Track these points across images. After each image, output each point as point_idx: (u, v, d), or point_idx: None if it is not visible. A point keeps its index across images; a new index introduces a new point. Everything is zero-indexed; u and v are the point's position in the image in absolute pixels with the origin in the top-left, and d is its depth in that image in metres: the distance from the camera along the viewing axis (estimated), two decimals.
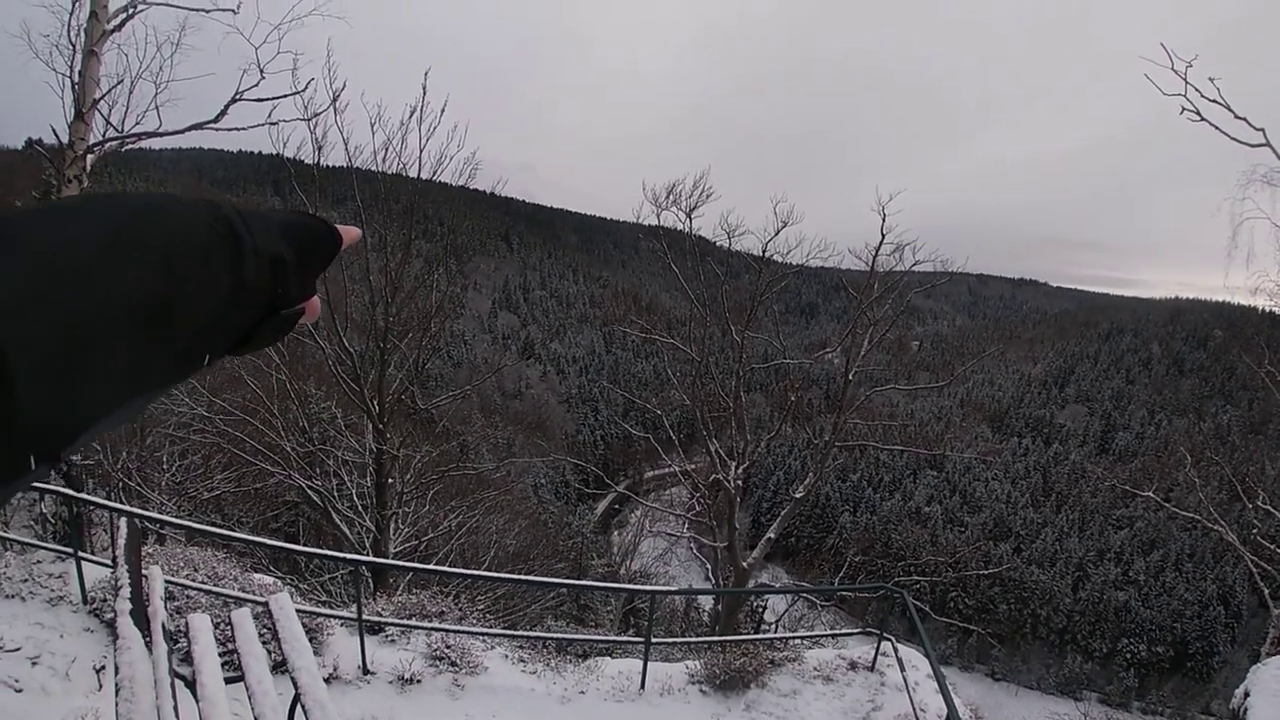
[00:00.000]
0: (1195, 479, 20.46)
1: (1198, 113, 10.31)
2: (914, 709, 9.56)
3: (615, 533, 65.49)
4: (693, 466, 26.01)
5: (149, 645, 4.26)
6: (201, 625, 5.24)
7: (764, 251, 21.83)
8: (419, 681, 8.32)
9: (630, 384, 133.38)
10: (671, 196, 21.78)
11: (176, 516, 20.25)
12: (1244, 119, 10.02)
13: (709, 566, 24.30)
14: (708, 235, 24.10)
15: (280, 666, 4.96)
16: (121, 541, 5.22)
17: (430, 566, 9.36)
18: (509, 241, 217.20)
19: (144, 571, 5.34)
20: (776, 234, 21.48)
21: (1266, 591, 17.12)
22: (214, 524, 21.15)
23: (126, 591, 4.55)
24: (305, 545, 21.01)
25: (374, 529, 16.05)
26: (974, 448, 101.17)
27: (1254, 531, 17.28)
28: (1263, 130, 10.08)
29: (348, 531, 16.34)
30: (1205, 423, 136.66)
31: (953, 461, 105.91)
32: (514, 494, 32.09)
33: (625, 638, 10.76)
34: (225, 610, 7.95)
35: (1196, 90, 10.04)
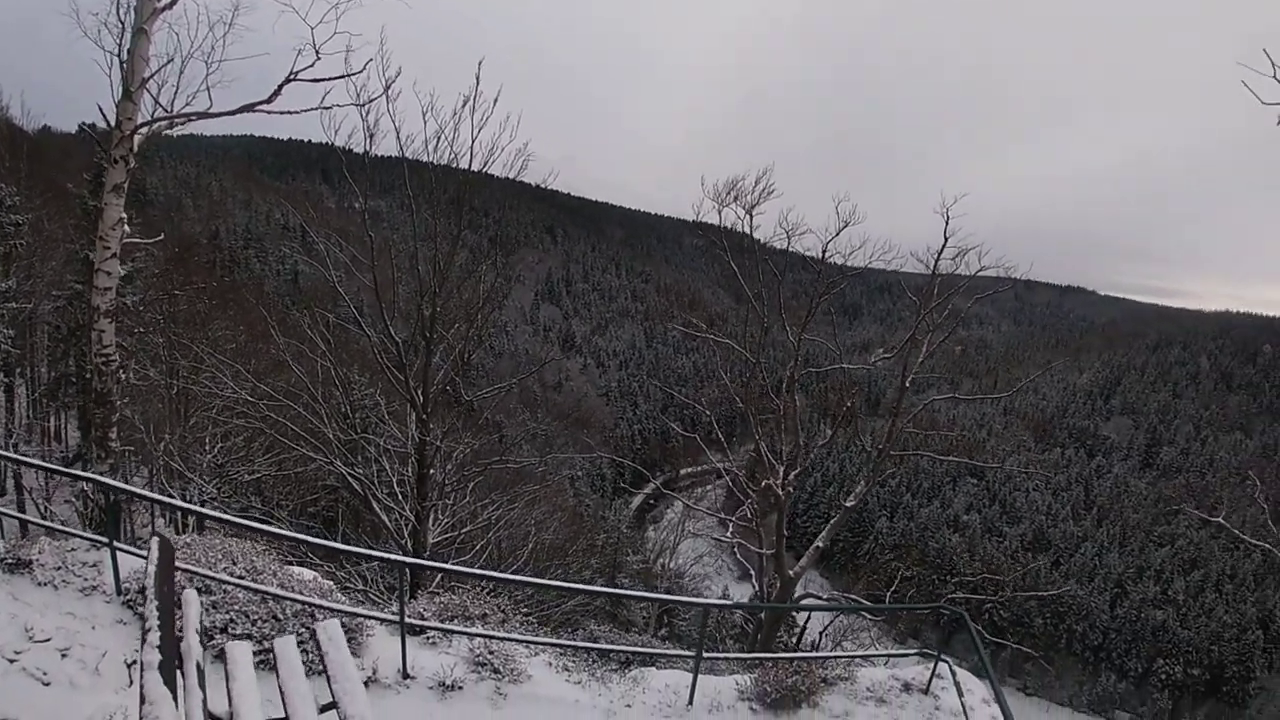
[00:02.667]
0: (1264, 505, 19.86)
1: None
2: None
3: (650, 528, 65.29)
4: (732, 464, 25.65)
5: (179, 697, 3.72)
6: (241, 657, 4.75)
7: (824, 252, 21.21)
8: (460, 688, 8.01)
9: (670, 379, 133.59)
10: (733, 193, 21.37)
11: (217, 498, 20.25)
12: None
13: (753, 571, 23.82)
14: (761, 234, 23.62)
15: (331, 706, 4.52)
16: (152, 566, 4.52)
17: (475, 570, 9.13)
18: (553, 234, 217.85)
19: (179, 595, 4.89)
20: (838, 234, 20.86)
21: None
22: (253, 506, 21.22)
23: (155, 636, 3.83)
24: (344, 529, 21.09)
25: (413, 519, 15.87)
26: (1017, 458, 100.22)
27: None
28: None
29: (386, 520, 16.18)
30: (1253, 440, 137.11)
31: (994, 470, 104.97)
32: (552, 486, 31.91)
33: (676, 651, 10.38)
34: (264, 606, 7.74)
35: None
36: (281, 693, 4.41)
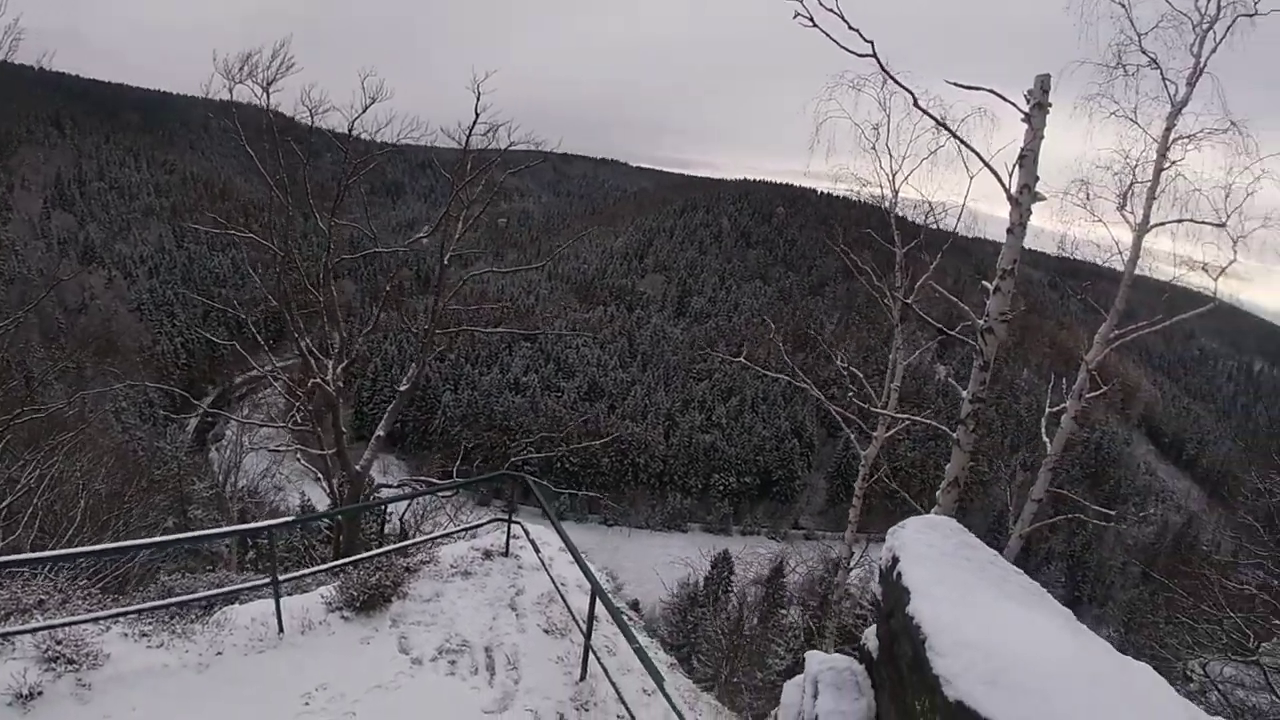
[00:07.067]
0: (778, 340, 22.67)
1: (811, 19, 11.14)
2: (555, 586, 9.95)
3: (213, 449, 61.72)
4: (285, 364, 24.78)
5: None
6: None
7: (350, 130, 20.15)
8: (41, 694, 7.33)
9: (208, 282, 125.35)
10: (246, 68, 19.73)
11: None
12: (857, 30, 11.09)
13: (320, 475, 23.22)
14: (288, 111, 22.03)
15: None
16: None
17: (25, 556, 8.31)
18: (60, 126, 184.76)
19: None
20: (364, 110, 19.86)
21: (854, 436, 19.62)
22: None
23: None
24: None
25: None
26: (563, 320, 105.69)
27: (849, 394, 19.54)
28: (871, 43, 11.26)
29: None
30: (770, 287, 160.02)
31: (545, 333, 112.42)
32: (94, 428, 29.17)
33: (251, 582, 10.19)
34: None
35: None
36: None
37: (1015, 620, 4.60)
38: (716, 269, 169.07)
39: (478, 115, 20.30)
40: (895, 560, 5.34)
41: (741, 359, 23.70)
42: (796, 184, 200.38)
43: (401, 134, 21.23)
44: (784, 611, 39.86)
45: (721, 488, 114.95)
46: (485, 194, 22.60)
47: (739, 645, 29.74)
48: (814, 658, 5.82)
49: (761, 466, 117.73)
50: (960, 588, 4.87)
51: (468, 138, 20.63)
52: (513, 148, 21.61)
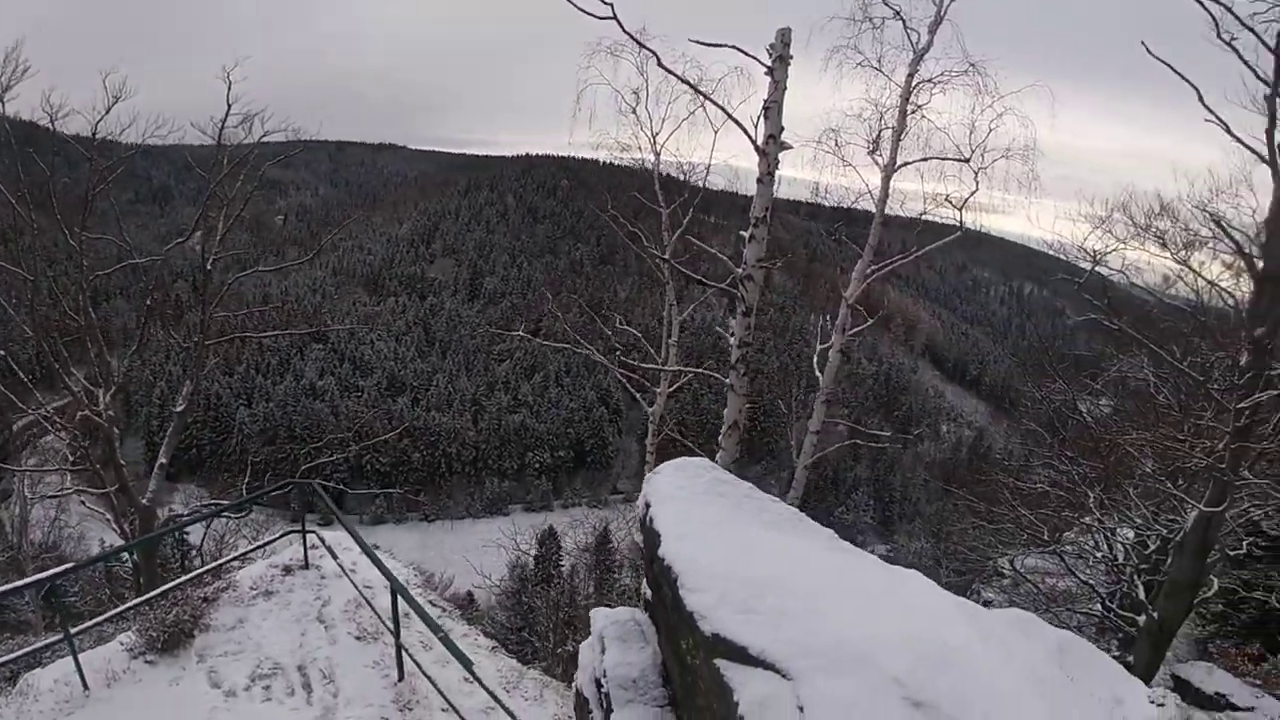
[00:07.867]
0: (558, 312, 23.02)
1: None
2: (359, 591, 9.95)
3: (3, 507, 57.42)
4: (61, 403, 23.12)
5: None
6: None
7: (94, 133, 18.75)
8: None
9: None
10: None
11: None
12: None
13: (109, 517, 21.67)
14: (33, 119, 20.17)
15: None
16: None
17: None
18: None
19: None
20: (108, 111, 18.47)
21: (639, 395, 20.14)
22: None
23: None
24: None
25: None
26: (353, 315, 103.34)
27: (617, 352, 19.98)
28: (611, 4, 11.28)
29: None
30: (561, 260, 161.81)
31: (335, 331, 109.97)
32: None
33: (44, 640, 9.64)
34: None
35: None
36: None
37: (773, 548, 4.89)
38: (506, 247, 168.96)
39: (230, 106, 19.63)
40: (648, 506, 5.60)
41: (519, 332, 23.98)
42: (579, 156, 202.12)
43: (147, 133, 19.96)
44: (616, 576, 40.55)
45: (537, 465, 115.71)
46: (245, 189, 21.43)
47: (573, 616, 30.09)
48: (599, 614, 6.05)
49: (573, 438, 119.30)
50: (712, 524, 5.18)
51: (220, 130, 19.85)
52: (271, 137, 20.74)
